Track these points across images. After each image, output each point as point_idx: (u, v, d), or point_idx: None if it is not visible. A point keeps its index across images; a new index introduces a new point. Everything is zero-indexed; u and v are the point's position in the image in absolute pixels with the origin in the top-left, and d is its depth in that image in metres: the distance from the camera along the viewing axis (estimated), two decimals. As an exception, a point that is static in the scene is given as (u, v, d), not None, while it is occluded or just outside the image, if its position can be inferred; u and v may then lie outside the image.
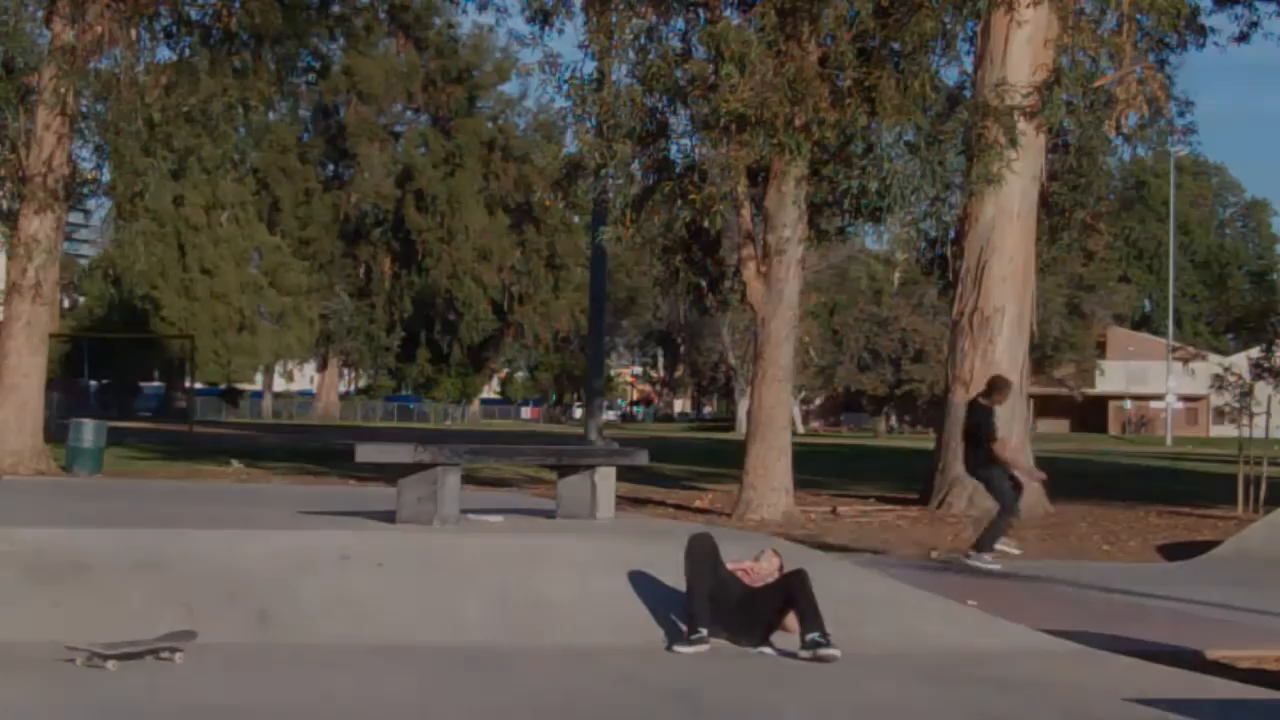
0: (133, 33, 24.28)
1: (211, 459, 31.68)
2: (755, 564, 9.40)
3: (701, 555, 9.12)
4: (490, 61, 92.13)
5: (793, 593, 8.93)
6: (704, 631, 8.88)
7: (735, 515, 19.43)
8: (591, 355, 29.27)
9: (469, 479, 13.81)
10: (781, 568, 9.31)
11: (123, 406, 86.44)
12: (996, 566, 14.35)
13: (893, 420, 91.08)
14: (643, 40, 19.81)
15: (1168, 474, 36.09)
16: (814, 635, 8.76)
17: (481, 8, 25.39)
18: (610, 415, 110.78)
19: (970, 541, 15.34)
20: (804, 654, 8.76)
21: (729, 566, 9.24)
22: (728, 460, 22.29)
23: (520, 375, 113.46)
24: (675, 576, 9.24)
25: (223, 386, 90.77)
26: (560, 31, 21.63)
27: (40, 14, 24.11)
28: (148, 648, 7.96)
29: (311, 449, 39.14)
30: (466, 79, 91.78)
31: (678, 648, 8.84)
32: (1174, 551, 17.28)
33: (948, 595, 10.58)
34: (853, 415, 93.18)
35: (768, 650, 8.94)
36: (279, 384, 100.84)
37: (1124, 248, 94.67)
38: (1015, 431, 22.66)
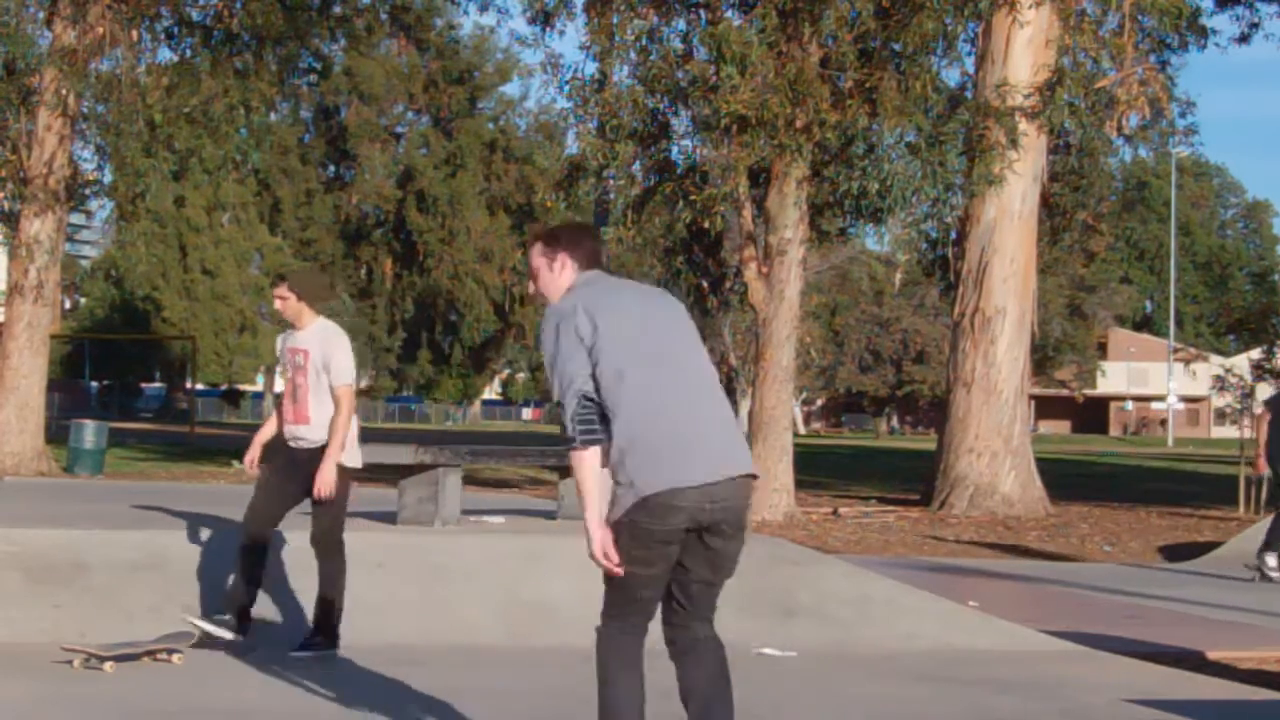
0: (134, 34, 24.26)
1: (213, 460, 31.66)
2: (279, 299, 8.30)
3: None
4: (491, 62, 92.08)
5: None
6: None
7: (736, 516, 19.39)
8: (592, 356, 29.19)
9: (470, 480, 13.81)
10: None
11: (124, 407, 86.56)
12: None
13: (894, 421, 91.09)
14: (644, 41, 19.81)
15: (1169, 475, 36.06)
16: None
17: (483, 9, 25.41)
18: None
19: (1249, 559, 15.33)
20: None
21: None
22: (729, 461, 22.13)
23: (522, 376, 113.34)
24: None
25: (224, 387, 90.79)
26: (561, 33, 21.66)
27: (41, 15, 24.10)
28: (145, 649, 7.95)
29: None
30: (468, 80, 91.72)
31: None
32: (1175, 552, 17.30)
33: (948, 595, 10.57)
34: (854, 416, 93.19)
35: (768, 650, 8.94)
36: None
37: (1125, 249, 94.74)
38: (1016, 433, 22.69)
